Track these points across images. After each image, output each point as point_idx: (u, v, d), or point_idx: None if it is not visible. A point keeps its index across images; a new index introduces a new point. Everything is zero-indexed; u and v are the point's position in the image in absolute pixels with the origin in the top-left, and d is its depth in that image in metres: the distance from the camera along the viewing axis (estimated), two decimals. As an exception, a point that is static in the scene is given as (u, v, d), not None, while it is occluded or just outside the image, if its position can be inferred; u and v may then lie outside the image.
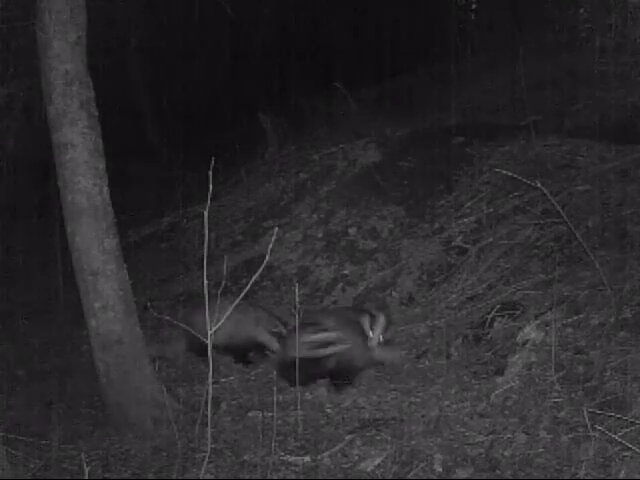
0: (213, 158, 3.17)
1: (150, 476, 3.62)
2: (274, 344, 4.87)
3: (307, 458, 3.59)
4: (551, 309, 4.26)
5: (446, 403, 3.91)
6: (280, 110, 9.33)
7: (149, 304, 5.49)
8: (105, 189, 3.97)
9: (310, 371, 4.18)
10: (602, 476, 3.01)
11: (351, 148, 7.44)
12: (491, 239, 5.47)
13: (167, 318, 4.66)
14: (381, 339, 4.43)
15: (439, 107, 8.18)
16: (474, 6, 12.68)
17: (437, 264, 5.60)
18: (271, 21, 12.01)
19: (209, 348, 2.91)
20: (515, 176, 5.01)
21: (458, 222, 5.88)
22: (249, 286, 3.15)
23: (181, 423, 3.93)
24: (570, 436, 3.28)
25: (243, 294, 3.20)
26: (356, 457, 3.55)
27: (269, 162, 8.41)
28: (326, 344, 4.36)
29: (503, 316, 4.51)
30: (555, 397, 3.61)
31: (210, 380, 2.98)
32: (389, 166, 6.94)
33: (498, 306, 4.64)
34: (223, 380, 4.68)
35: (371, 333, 4.40)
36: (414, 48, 10.81)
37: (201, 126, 11.00)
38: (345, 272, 5.94)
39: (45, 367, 5.18)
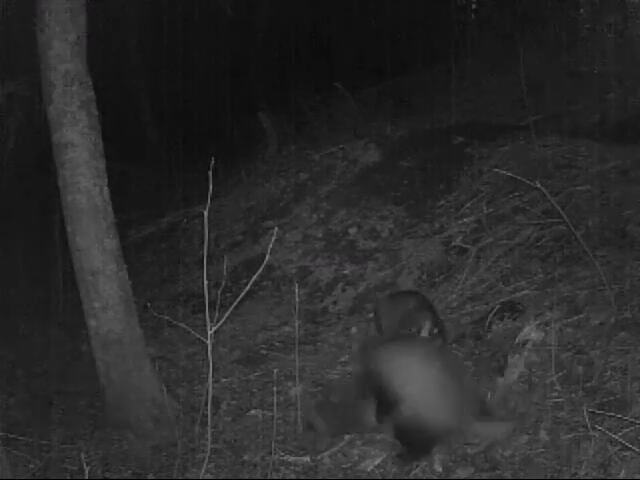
0: (213, 158, 3.17)
1: (150, 476, 3.62)
2: None
3: (307, 458, 3.60)
4: (551, 309, 4.25)
5: (446, 403, 3.91)
6: (280, 110, 9.33)
7: (149, 304, 5.49)
8: (105, 189, 3.97)
9: None
10: (602, 476, 3.01)
11: (351, 148, 7.44)
12: (491, 239, 5.46)
13: (167, 318, 4.66)
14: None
15: (439, 107, 8.19)
16: (474, 6, 12.68)
17: (437, 264, 5.60)
18: (271, 21, 12.00)
19: (209, 348, 2.91)
20: (515, 176, 5.01)
21: (458, 222, 5.88)
22: (249, 286, 3.15)
23: (181, 423, 3.93)
24: (570, 436, 3.28)
25: (243, 294, 3.20)
26: (356, 457, 3.56)
27: (269, 162, 8.42)
28: None
29: (503, 316, 4.52)
30: (555, 397, 3.61)
31: (210, 380, 2.98)
32: (389, 166, 6.95)
33: (498, 306, 4.64)
34: (223, 380, 4.68)
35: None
36: (414, 48, 10.81)
37: (201, 126, 11.00)
38: (345, 272, 5.94)
39: (45, 367, 5.18)
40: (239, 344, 5.25)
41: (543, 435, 3.36)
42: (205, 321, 2.90)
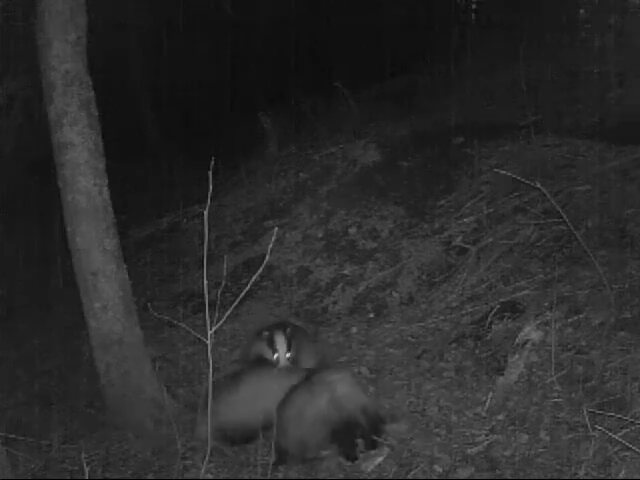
0: (213, 158, 3.17)
1: (150, 476, 3.62)
2: None
3: (307, 458, 3.60)
4: (551, 309, 4.26)
5: (446, 403, 3.91)
6: (280, 110, 9.33)
7: (149, 304, 5.49)
8: (105, 189, 3.98)
9: None
10: (602, 476, 3.01)
11: (351, 148, 7.44)
12: (491, 239, 5.46)
13: (167, 318, 4.66)
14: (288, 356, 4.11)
15: (439, 107, 8.18)
16: (474, 6, 12.68)
17: (437, 264, 5.60)
18: (271, 21, 12.00)
19: (209, 348, 2.91)
20: (515, 176, 5.01)
21: (458, 222, 5.88)
22: (249, 286, 3.15)
23: (181, 423, 3.93)
24: (570, 436, 3.29)
25: (243, 294, 3.20)
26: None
27: (269, 162, 8.41)
28: None
29: (503, 316, 4.52)
30: (555, 397, 3.61)
31: (210, 380, 2.98)
32: (389, 166, 6.95)
33: (498, 306, 4.64)
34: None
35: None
36: (414, 48, 10.79)
37: (201, 126, 11.00)
38: (345, 272, 5.94)
39: (45, 367, 5.18)
40: (239, 344, 5.24)
41: (543, 435, 3.37)
42: (205, 321, 2.90)
